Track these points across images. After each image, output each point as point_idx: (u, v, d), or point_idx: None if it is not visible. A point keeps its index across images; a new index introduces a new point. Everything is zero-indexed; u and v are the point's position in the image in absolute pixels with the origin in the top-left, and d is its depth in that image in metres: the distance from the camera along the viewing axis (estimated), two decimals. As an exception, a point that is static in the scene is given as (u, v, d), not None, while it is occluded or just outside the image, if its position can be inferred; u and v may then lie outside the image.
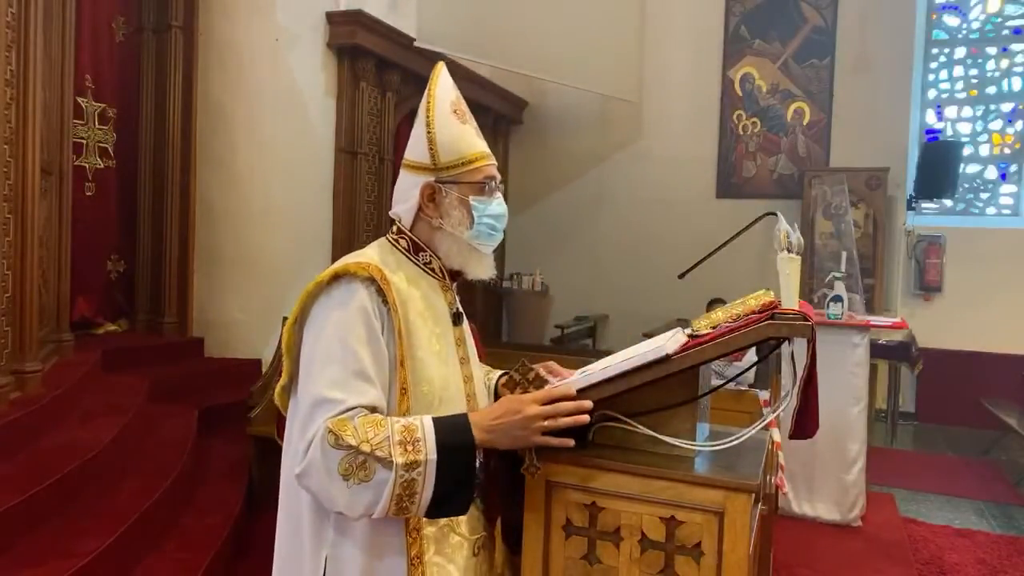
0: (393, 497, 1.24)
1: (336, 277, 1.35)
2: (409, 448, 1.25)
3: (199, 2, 4.92)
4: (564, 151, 8.36)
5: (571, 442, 1.34)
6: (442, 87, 1.47)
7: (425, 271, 1.47)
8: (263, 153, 5.09)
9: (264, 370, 4.68)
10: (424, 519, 1.34)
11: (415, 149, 1.46)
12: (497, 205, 1.46)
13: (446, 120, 1.44)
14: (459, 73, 6.86)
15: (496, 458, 1.48)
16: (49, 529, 2.58)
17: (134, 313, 5.01)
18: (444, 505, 1.29)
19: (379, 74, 5.94)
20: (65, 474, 2.75)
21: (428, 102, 1.45)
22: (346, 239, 5.69)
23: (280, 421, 3.04)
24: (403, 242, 1.47)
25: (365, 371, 1.30)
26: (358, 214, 5.85)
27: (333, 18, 5.50)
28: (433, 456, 1.25)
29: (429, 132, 1.43)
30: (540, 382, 1.39)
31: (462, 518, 1.40)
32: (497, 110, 7.89)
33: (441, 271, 1.48)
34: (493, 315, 8.30)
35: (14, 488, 2.55)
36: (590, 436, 1.47)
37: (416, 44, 6.09)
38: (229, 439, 4.11)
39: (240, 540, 3.30)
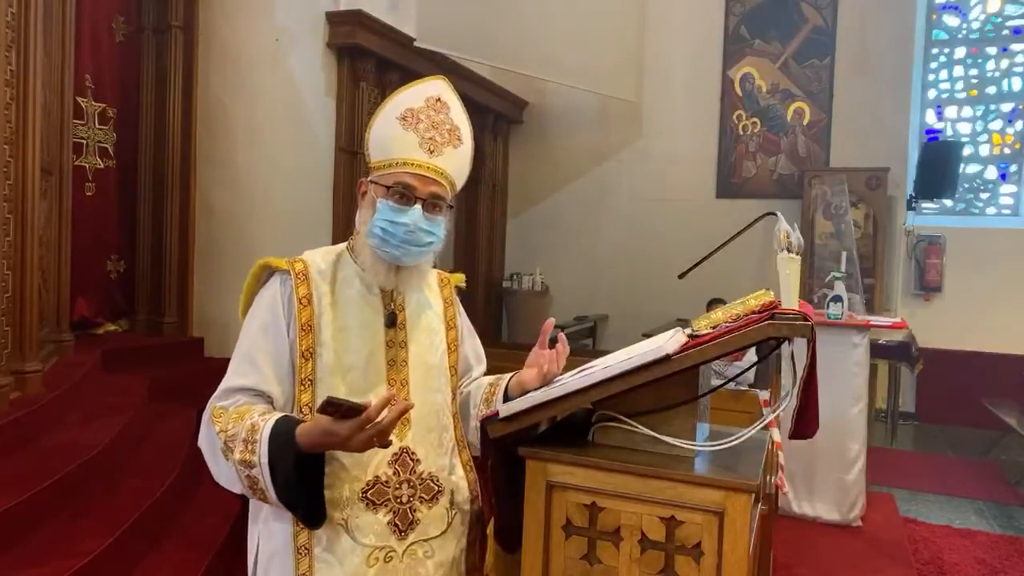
0: (246, 488, 1.34)
1: (260, 269, 1.47)
2: (249, 447, 1.30)
3: (199, 2, 4.92)
4: (564, 151, 8.36)
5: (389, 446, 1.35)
6: (406, 94, 1.49)
7: (363, 272, 1.49)
8: (263, 153, 5.09)
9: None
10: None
11: None
12: (402, 214, 1.40)
13: (387, 122, 1.46)
14: (459, 73, 6.90)
15: (493, 457, 1.48)
16: (49, 529, 2.58)
17: (134, 313, 5.01)
18: (295, 505, 1.33)
19: (379, 74, 5.94)
20: (65, 474, 2.75)
21: (382, 104, 1.49)
22: (346, 239, 5.68)
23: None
24: (351, 242, 1.53)
25: (254, 356, 1.41)
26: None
27: (333, 18, 5.49)
28: (265, 460, 1.29)
29: (368, 130, 1.49)
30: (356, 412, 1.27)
31: (357, 521, 1.38)
32: (497, 110, 7.89)
33: None
34: (493, 315, 8.31)
35: (14, 488, 2.55)
36: (590, 436, 1.47)
37: (416, 44, 6.09)
38: (229, 439, 4.11)
39: (240, 540, 3.28)
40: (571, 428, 1.50)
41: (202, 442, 1.41)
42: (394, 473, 1.42)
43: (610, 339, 7.88)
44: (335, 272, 1.47)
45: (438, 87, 1.51)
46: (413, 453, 1.43)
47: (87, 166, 4.62)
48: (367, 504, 1.39)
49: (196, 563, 2.82)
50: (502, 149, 8.35)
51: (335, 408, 1.21)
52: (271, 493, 1.31)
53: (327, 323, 1.42)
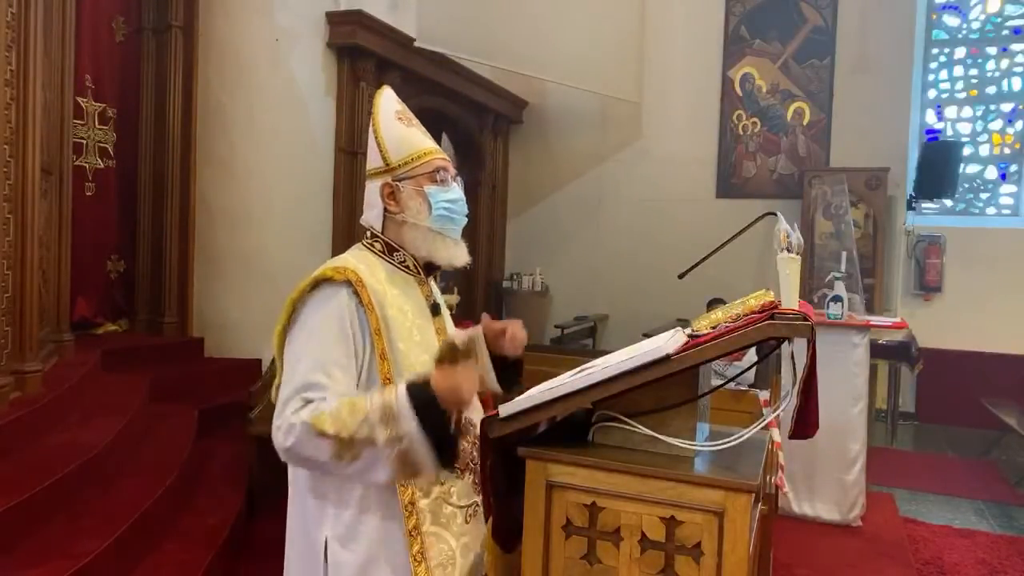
0: (393, 469, 1.36)
1: (316, 284, 1.48)
2: (389, 425, 1.35)
3: (199, 2, 4.92)
4: (564, 151, 8.36)
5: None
6: (385, 101, 1.63)
7: (400, 269, 1.59)
8: (263, 153, 5.09)
9: (264, 370, 4.68)
10: (419, 493, 1.47)
11: (371, 158, 1.61)
12: (452, 192, 1.59)
13: (390, 124, 1.59)
14: (459, 73, 6.91)
15: (492, 457, 1.49)
16: (49, 529, 2.58)
17: (134, 313, 5.01)
18: (443, 456, 1.39)
19: (379, 74, 5.94)
20: (65, 474, 2.75)
21: (373, 115, 1.61)
22: (346, 239, 5.69)
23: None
24: (378, 245, 1.61)
25: (340, 362, 1.44)
26: (358, 214, 5.83)
27: (333, 18, 5.50)
28: (413, 427, 1.34)
29: (377, 137, 1.58)
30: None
31: (454, 488, 1.53)
32: (497, 110, 7.89)
33: (415, 267, 1.61)
34: (493, 315, 8.28)
35: (14, 488, 2.54)
36: (590, 436, 1.47)
37: (416, 44, 6.10)
38: (229, 439, 4.11)
39: (240, 540, 3.30)
40: (571, 428, 1.50)
41: (307, 456, 1.38)
42: (466, 441, 1.56)
43: (610, 339, 7.88)
44: (377, 274, 1.54)
45: (392, 93, 1.67)
46: (471, 422, 1.57)
47: (87, 166, 4.63)
48: (457, 473, 1.54)
49: (196, 563, 2.82)
50: (502, 149, 8.35)
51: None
52: (423, 455, 1.35)
53: (392, 322, 1.50)
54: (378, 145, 1.57)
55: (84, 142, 4.57)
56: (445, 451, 1.39)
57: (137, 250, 4.97)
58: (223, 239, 5.07)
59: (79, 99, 4.43)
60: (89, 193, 4.65)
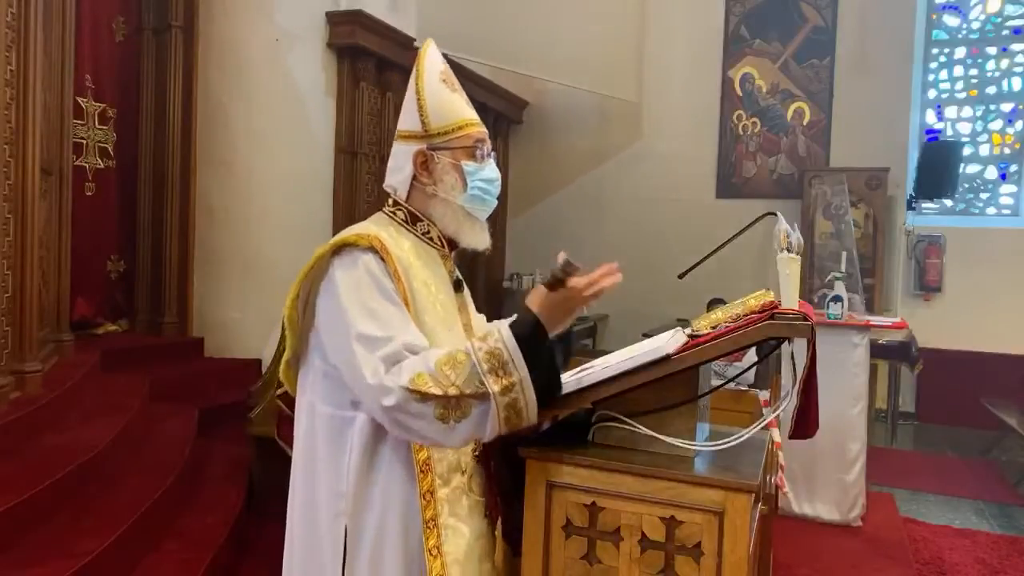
0: (501, 420, 1.27)
1: (338, 250, 1.39)
2: (501, 374, 1.27)
3: (199, 2, 4.92)
4: (564, 151, 8.36)
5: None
6: (430, 59, 1.50)
7: (424, 240, 1.50)
8: (263, 153, 5.09)
9: (264, 370, 4.68)
10: (438, 482, 1.37)
11: (407, 119, 1.49)
12: (490, 170, 1.48)
13: (436, 88, 1.47)
14: (459, 73, 6.89)
15: (498, 458, 1.48)
16: (49, 529, 2.58)
17: (134, 313, 5.01)
18: (546, 395, 1.32)
19: (379, 74, 5.94)
20: (65, 474, 2.74)
21: (417, 72, 1.49)
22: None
23: (280, 421, 3.03)
24: (400, 213, 1.50)
25: (391, 311, 1.33)
26: (358, 214, 5.84)
27: (333, 18, 5.49)
28: (525, 372, 1.27)
29: (419, 99, 1.46)
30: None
31: (475, 482, 1.45)
32: (497, 110, 7.88)
33: (440, 240, 1.51)
34: (493, 315, 8.24)
35: (14, 488, 2.54)
36: (590, 436, 1.47)
37: (416, 44, 6.09)
38: (229, 439, 4.11)
39: (240, 540, 3.29)
40: (571, 428, 1.50)
41: (407, 424, 1.28)
42: None
43: (610, 339, 7.87)
44: (401, 244, 1.45)
45: (438, 51, 1.55)
46: None
47: (87, 166, 4.63)
48: (483, 464, 1.46)
49: (196, 563, 2.81)
50: (502, 149, 8.34)
51: (566, 273, 1.37)
52: (530, 401, 1.28)
53: (418, 295, 1.40)
54: (419, 107, 1.45)
55: (84, 142, 4.57)
56: (551, 391, 1.32)
57: (137, 250, 4.97)
58: (223, 239, 5.07)
59: (79, 99, 4.43)
60: (89, 193, 4.65)
